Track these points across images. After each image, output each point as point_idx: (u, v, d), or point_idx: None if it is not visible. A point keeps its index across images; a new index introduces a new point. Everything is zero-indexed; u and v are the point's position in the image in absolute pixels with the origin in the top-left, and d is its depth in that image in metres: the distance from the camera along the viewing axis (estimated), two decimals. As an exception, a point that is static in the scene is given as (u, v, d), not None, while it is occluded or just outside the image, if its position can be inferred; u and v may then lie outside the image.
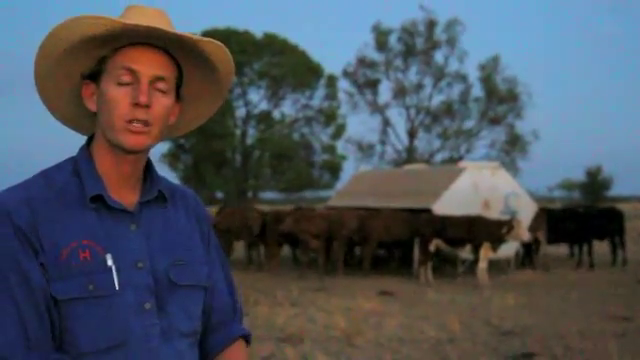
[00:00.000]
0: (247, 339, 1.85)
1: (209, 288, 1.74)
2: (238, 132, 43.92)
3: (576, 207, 20.28)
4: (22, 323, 1.43)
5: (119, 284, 1.51)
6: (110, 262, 1.51)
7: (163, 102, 1.55)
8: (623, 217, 17.74)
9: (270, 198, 50.82)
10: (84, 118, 1.67)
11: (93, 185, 1.55)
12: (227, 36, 39.50)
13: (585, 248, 17.29)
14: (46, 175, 1.57)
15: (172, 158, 43.14)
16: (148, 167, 1.67)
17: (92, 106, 1.58)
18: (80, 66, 1.58)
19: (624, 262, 17.20)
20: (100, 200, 1.55)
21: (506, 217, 14.79)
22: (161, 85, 1.54)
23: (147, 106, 1.51)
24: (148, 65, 1.52)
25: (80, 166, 1.58)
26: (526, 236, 14.22)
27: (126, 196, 1.60)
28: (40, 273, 1.45)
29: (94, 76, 1.57)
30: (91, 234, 1.51)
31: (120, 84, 1.52)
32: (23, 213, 1.47)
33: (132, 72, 1.51)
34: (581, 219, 17.56)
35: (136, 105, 1.50)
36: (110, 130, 1.53)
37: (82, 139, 1.67)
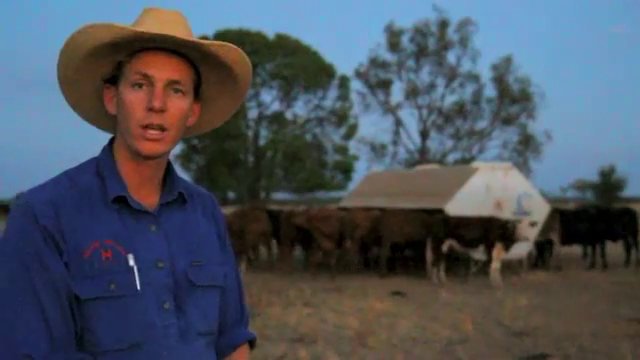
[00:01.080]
0: (252, 343, 1.89)
1: (225, 289, 1.76)
2: (250, 133, 44.04)
3: (589, 208, 20.14)
4: (46, 321, 1.46)
5: (140, 284, 1.53)
6: (132, 262, 1.53)
7: (179, 105, 1.57)
8: (637, 217, 17.63)
9: (282, 198, 50.88)
10: (107, 118, 1.70)
11: (115, 186, 1.58)
12: (239, 37, 39.66)
13: (598, 249, 17.19)
14: (70, 175, 1.60)
15: (185, 159, 43.31)
16: (168, 168, 1.69)
17: (112, 109, 1.62)
18: (100, 71, 1.61)
19: (638, 263, 17.11)
20: (122, 201, 1.58)
21: (519, 218, 14.75)
22: (177, 87, 1.56)
23: (162, 110, 1.53)
24: (162, 69, 1.54)
25: (103, 167, 1.61)
26: (523, 237, 14.13)
27: (147, 197, 1.63)
28: (64, 272, 1.48)
29: (114, 80, 1.60)
30: (113, 234, 1.54)
31: (135, 89, 1.54)
32: (48, 213, 1.49)
33: (147, 77, 1.54)
34: (594, 220, 17.46)
35: (151, 110, 1.52)
36: (127, 135, 1.56)
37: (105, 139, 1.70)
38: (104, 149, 1.65)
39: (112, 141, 1.66)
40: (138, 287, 1.53)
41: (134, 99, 1.53)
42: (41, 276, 1.46)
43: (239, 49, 1.61)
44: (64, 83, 1.63)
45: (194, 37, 1.58)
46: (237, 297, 1.84)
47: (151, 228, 1.60)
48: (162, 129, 1.54)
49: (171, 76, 1.55)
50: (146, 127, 1.53)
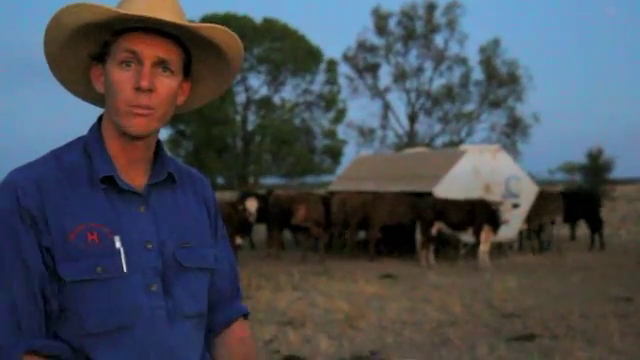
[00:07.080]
0: (246, 317, 1.87)
1: (215, 270, 1.74)
2: (238, 118, 43.90)
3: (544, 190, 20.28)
4: (14, 307, 1.44)
5: (127, 266, 1.51)
6: (118, 244, 1.51)
7: (168, 84, 1.53)
8: (599, 199, 17.75)
9: (271, 183, 50.84)
10: (97, 95, 1.65)
11: (103, 166, 1.55)
12: (226, 21, 39.39)
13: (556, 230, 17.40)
14: (56, 155, 1.57)
15: (173, 144, 43.12)
16: (158, 148, 1.66)
17: (100, 87, 1.58)
18: (87, 48, 1.58)
19: (602, 246, 17.06)
20: (110, 181, 1.55)
21: (507, 200, 14.77)
22: (165, 66, 1.53)
23: (150, 90, 1.49)
24: (151, 48, 1.50)
25: (90, 146, 1.58)
26: (505, 220, 14.13)
27: (135, 177, 1.60)
28: (39, 255, 1.46)
29: (101, 57, 1.56)
30: (100, 216, 1.51)
31: (123, 67, 1.51)
32: (31, 193, 1.47)
33: (135, 53, 1.50)
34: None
35: (138, 90, 1.49)
36: (115, 114, 1.53)
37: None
38: (92, 128, 1.62)
39: (100, 120, 1.63)
40: (125, 269, 1.50)
41: (122, 78, 1.50)
42: (14, 260, 1.44)
43: (227, 30, 1.57)
44: (50, 61, 1.60)
45: (184, 17, 1.55)
46: (230, 276, 1.82)
47: (140, 209, 1.57)
48: (149, 109, 1.51)
49: (159, 54, 1.51)
50: (133, 107, 1.50)
